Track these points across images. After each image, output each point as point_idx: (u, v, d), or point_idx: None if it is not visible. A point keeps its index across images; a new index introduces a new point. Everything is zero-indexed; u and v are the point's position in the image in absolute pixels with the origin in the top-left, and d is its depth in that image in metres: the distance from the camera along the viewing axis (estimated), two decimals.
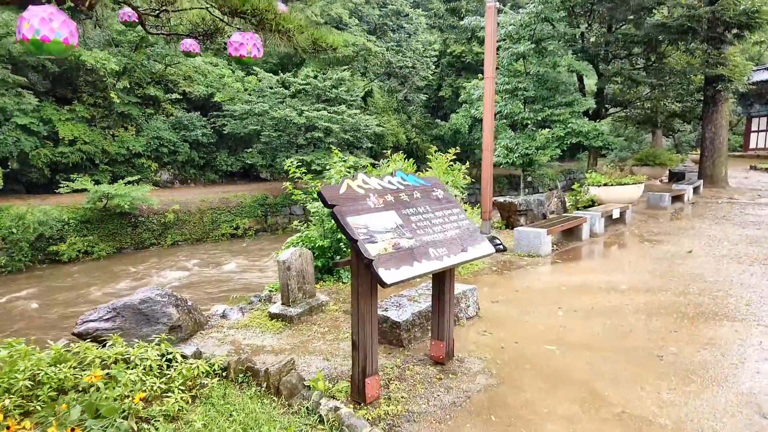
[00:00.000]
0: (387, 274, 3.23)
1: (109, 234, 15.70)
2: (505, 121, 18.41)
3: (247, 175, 23.97)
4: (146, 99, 21.39)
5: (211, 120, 22.40)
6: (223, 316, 5.43)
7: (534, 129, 18.03)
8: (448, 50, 30.17)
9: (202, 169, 23.06)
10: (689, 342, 4.77)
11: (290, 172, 7.08)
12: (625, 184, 11.92)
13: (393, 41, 29.08)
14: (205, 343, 4.71)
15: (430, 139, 29.69)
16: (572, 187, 12.92)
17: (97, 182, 16.83)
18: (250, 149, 22.19)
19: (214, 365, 3.80)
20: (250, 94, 22.12)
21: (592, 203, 12.10)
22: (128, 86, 20.02)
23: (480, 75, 20.65)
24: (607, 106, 20.90)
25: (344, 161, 7.18)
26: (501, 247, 8.63)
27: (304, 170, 7.19)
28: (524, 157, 17.58)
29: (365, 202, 3.62)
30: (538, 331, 5.07)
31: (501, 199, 10.71)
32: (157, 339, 3.93)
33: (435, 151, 8.40)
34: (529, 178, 26.21)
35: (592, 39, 19.42)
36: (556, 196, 11.51)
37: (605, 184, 11.91)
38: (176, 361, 3.71)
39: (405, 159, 7.70)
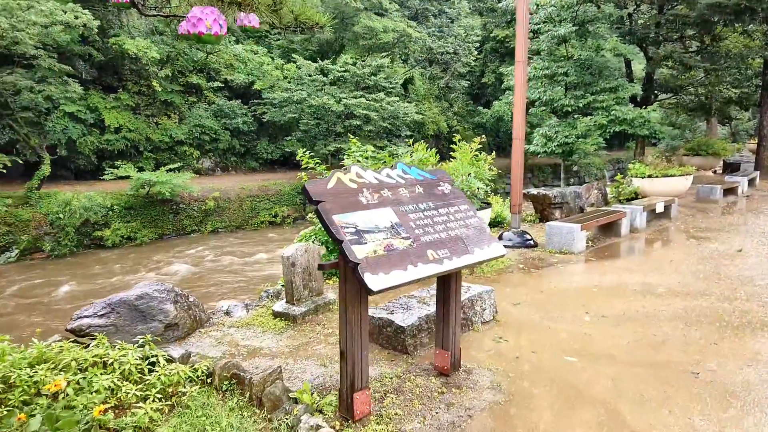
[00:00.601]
0: (374, 280, 2.91)
1: (151, 220, 15.97)
2: (545, 108, 17.63)
3: (287, 163, 23.96)
4: (189, 87, 21.66)
5: (252, 108, 22.49)
6: (227, 312, 5.23)
7: (576, 116, 17.16)
8: (491, 35, 29.27)
9: (243, 157, 23.24)
10: (731, 357, 4.26)
11: (303, 162, 6.83)
12: (671, 175, 11.17)
13: (434, 27, 28.40)
14: (201, 343, 4.51)
15: (472, 127, 28.98)
16: (615, 177, 12.22)
17: (141, 169, 17.14)
18: (289, 137, 22.15)
19: (197, 370, 3.56)
20: (289, 82, 22.03)
21: (636, 196, 11.39)
22: (171, 74, 20.29)
23: None
24: (656, 92, 19.75)
25: (363, 150, 6.86)
26: (531, 242, 8.16)
27: (317, 160, 6.91)
28: (564, 146, 16.78)
29: (357, 198, 3.29)
30: (560, 339, 4.64)
31: (534, 191, 10.15)
32: (141, 340, 3.73)
33: (459, 140, 7.95)
34: (575, 168, 25.25)
35: (641, 20, 18.28)
36: (597, 188, 10.84)
37: (649, 176, 11.20)
38: (159, 365, 3.50)
39: (427, 149, 7.29)
